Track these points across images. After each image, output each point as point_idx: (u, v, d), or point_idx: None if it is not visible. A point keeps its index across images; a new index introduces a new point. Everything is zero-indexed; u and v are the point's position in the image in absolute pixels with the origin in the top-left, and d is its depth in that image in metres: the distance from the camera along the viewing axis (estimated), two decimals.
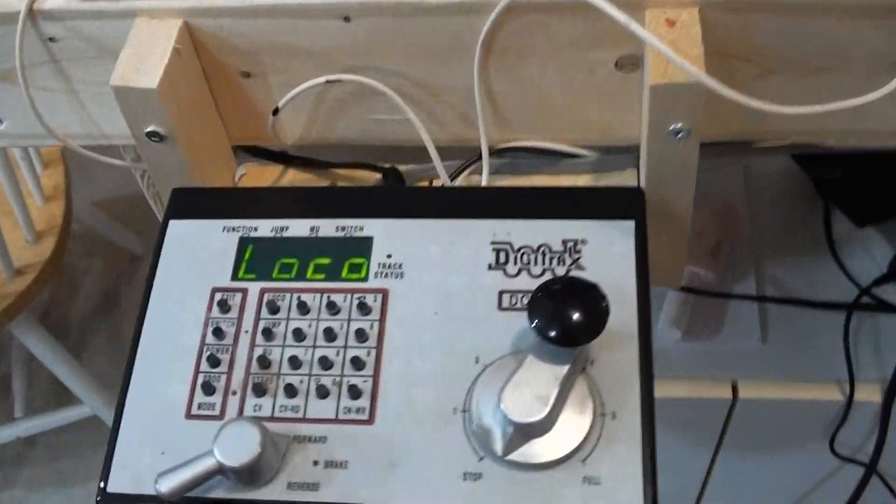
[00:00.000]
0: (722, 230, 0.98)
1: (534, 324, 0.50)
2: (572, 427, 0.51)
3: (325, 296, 0.57)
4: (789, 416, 0.97)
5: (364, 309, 0.56)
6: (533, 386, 0.50)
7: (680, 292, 0.93)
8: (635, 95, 0.64)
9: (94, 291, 2.12)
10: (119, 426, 0.55)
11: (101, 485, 0.54)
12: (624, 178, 0.69)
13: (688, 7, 0.58)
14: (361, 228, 0.59)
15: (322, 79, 0.63)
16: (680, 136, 0.58)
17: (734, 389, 0.96)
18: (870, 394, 0.94)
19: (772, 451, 1.03)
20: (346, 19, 0.61)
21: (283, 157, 0.72)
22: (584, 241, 0.57)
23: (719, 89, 0.53)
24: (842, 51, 0.59)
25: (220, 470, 0.51)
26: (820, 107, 0.54)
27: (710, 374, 0.96)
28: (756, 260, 0.98)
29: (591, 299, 0.50)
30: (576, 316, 0.50)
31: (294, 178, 0.72)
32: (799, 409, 0.95)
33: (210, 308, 0.58)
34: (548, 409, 0.50)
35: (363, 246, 0.59)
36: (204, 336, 0.57)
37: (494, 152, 0.68)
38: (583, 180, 0.69)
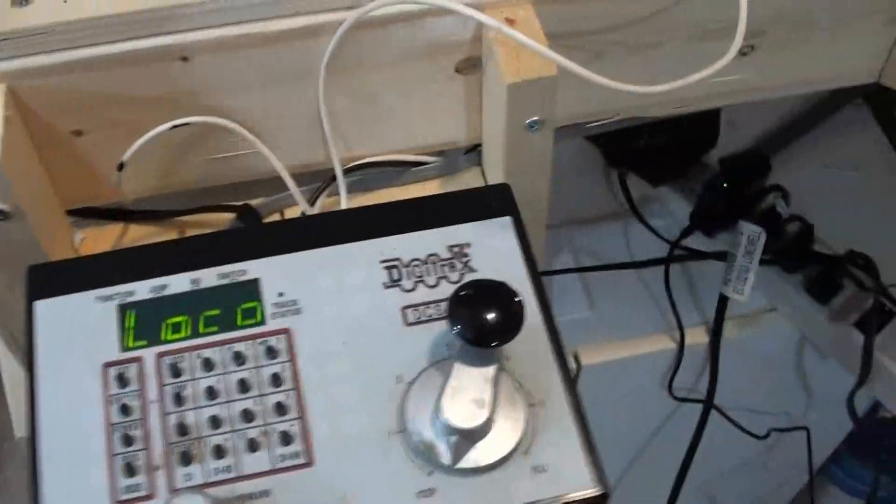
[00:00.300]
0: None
1: (457, 330, 0.51)
2: (509, 423, 0.52)
3: (227, 347, 0.55)
4: (630, 372, 1.03)
5: (271, 353, 0.55)
6: (468, 391, 0.51)
7: None
8: (476, 95, 0.65)
9: None
10: None
11: None
12: (470, 178, 0.71)
13: (522, 4, 0.60)
14: (244, 272, 0.58)
15: (167, 125, 0.61)
16: (535, 128, 0.60)
17: (576, 359, 1.01)
18: (698, 336, 1.01)
19: (618, 409, 1.09)
20: (185, 59, 0.59)
21: (122, 214, 0.68)
22: (468, 244, 0.59)
23: (584, 73, 0.56)
24: (664, 26, 0.64)
25: None
26: (669, 85, 0.58)
27: None
28: (567, 232, 1.03)
29: (503, 297, 0.52)
30: (494, 315, 0.51)
31: (138, 234, 0.69)
32: (638, 364, 1.01)
33: (107, 385, 0.54)
34: (488, 410, 0.50)
35: (251, 289, 0.57)
36: (108, 415, 0.53)
37: (344, 172, 0.67)
38: (433, 185, 0.70)
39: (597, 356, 1.00)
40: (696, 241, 1.01)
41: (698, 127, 1.01)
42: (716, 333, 1.00)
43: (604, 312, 1.01)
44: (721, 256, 0.96)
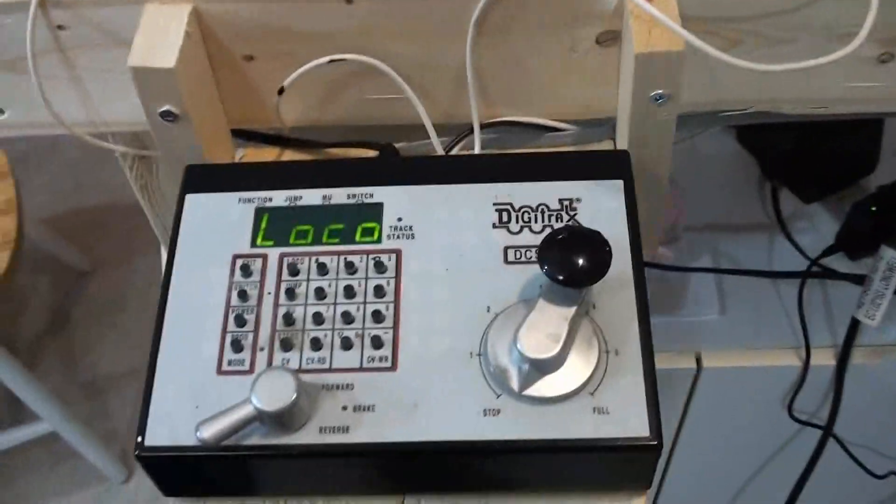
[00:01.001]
0: (676, 210, 1.03)
1: (544, 268, 0.55)
2: (581, 363, 0.56)
3: (343, 257, 0.61)
4: (750, 383, 1.03)
5: (380, 267, 0.60)
6: (545, 326, 0.55)
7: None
8: (613, 70, 0.69)
9: (42, 309, 2.11)
10: (152, 384, 0.58)
11: (139, 439, 0.56)
12: (601, 148, 0.74)
13: None
14: (371, 195, 0.64)
15: (326, 58, 0.67)
16: (661, 101, 0.63)
17: (698, 360, 1.02)
18: (825, 358, 1.00)
19: (733, 421, 1.09)
20: (349, 1, 0.65)
21: (279, 140, 0.75)
22: (578, 200, 0.62)
23: (707, 49, 0.58)
24: (802, 22, 0.65)
25: (258, 416, 0.54)
26: (790, 65, 0.60)
27: (675, 346, 1.02)
28: (711, 237, 1.04)
29: (594, 244, 0.55)
30: (582, 259, 0.55)
31: (293, 158, 0.76)
32: (759, 376, 1.01)
33: (233, 273, 0.61)
34: (560, 346, 0.54)
35: (374, 211, 0.63)
36: (229, 298, 0.60)
37: (482, 127, 0.72)
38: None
39: (720, 361, 1.01)
40: (839, 263, 1.00)
41: (857, 149, 1.01)
42: (843, 358, 0.98)
43: (734, 318, 1.01)
44: (860, 280, 0.95)
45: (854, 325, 0.97)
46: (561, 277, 0.54)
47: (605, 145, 0.74)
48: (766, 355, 1.01)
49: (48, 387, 1.71)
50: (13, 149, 1.78)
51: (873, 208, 0.95)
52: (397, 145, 0.74)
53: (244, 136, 0.76)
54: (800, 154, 1.01)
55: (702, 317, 1.02)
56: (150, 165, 0.83)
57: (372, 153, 0.74)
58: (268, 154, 0.76)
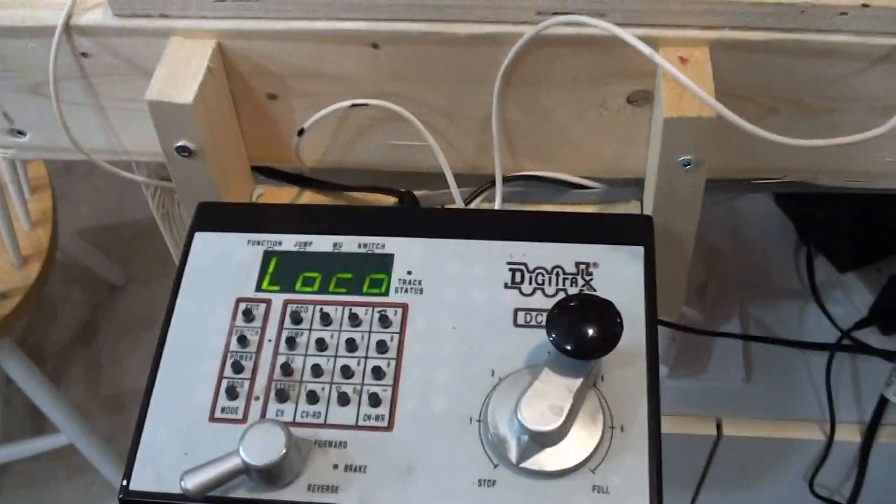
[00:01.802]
0: (708, 270, 1.01)
1: (552, 337, 0.53)
2: (583, 438, 0.54)
3: (348, 308, 0.59)
4: (771, 454, 1.00)
5: (385, 322, 0.59)
6: (548, 397, 0.53)
7: (667, 329, 0.96)
8: (643, 130, 0.67)
9: (72, 320, 2.12)
10: (143, 426, 0.57)
11: (124, 482, 0.55)
12: (628, 210, 0.72)
13: (700, 45, 0.61)
14: (383, 246, 0.62)
15: (348, 102, 0.66)
16: (688, 167, 0.61)
17: (718, 427, 0.99)
18: (850, 434, 0.97)
19: (752, 490, 1.06)
20: (375, 46, 0.64)
21: (299, 180, 0.74)
22: (595, 265, 0.60)
23: (735, 120, 0.56)
24: (842, 93, 0.63)
25: (245, 470, 0.52)
26: (823, 141, 0.57)
27: (696, 410, 0.99)
28: (741, 301, 1.02)
29: (605, 316, 0.53)
30: (591, 331, 0.52)
31: (310, 200, 0.74)
32: (781, 448, 0.98)
33: (235, 317, 0.60)
34: (562, 419, 0.52)
35: (384, 262, 0.61)
36: (228, 343, 0.59)
37: (505, 180, 0.71)
38: (589, 210, 0.72)
39: (741, 429, 0.98)
40: (872, 337, 0.97)
41: None
42: (869, 436, 0.95)
43: (759, 387, 0.98)
44: (891, 356, 0.92)
45: (882, 403, 0.94)
46: (568, 348, 0.52)
47: (632, 206, 0.71)
48: (790, 427, 0.98)
49: (71, 399, 1.71)
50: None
51: None
52: (417, 193, 0.72)
53: (265, 173, 0.75)
54: (837, 221, 0.98)
55: (726, 382, 0.99)
56: (173, 195, 0.82)
57: (391, 199, 0.72)
58: (287, 193, 0.75)
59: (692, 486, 1.05)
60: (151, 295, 2.10)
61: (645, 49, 0.57)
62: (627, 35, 0.58)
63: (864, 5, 0.59)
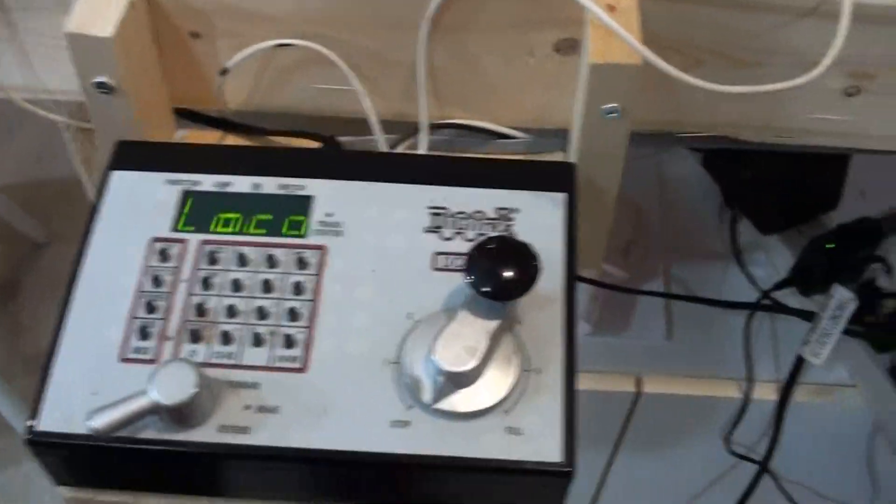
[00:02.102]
0: (633, 230, 1.02)
1: (469, 277, 0.52)
2: (498, 380, 0.53)
3: (265, 249, 0.58)
4: (690, 411, 1.01)
5: (303, 263, 0.58)
6: (464, 338, 0.52)
7: (590, 287, 0.97)
8: (570, 80, 0.67)
9: None
10: (51, 366, 0.55)
11: (31, 423, 0.54)
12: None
13: None
14: (303, 187, 0.61)
15: (272, 42, 0.65)
16: (614, 115, 0.61)
17: (638, 384, 1.00)
18: (766, 392, 0.99)
19: (670, 449, 1.08)
20: None
21: (222, 123, 0.73)
22: (516, 210, 0.60)
23: (662, 66, 0.56)
24: (768, 46, 0.63)
25: (154, 409, 0.51)
26: (746, 87, 0.58)
27: (617, 368, 1.00)
28: (664, 261, 1.03)
29: (523, 257, 0.53)
30: (508, 272, 0.52)
31: (233, 143, 0.73)
32: (699, 406, 1.00)
33: (149, 257, 0.58)
34: (477, 360, 0.52)
35: (304, 204, 0.60)
36: (142, 283, 0.57)
37: (432, 128, 0.70)
38: None
39: (661, 387, 0.99)
40: (791, 299, 0.98)
41: (820, 185, 0.99)
42: (785, 394, 0.97)
43: (679, 345, 1.00)
44: (810, 317, 0.94)
45: (799, 362, 0.95)
46: (485, 289, 0.52)
47: (557, 157, 0.71)
48: (709, 385, 0.99)
49: None
50: None
51: (829, 246, 0.93)
52: (341, 139, 0.71)
53: (187, 116, 0.74)
54: (761, 184, 0.99)
55: (647, 340, 1.00)
56: (93, 139, 0.80)
57: (315, 144, 0.71)
58: (209, 137, 0.73)
59: (610, 445, 1.06)
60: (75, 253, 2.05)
61: None
62: None
63: None
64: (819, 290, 0.96)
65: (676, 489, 1.14)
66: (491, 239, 0.54)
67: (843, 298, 0.89)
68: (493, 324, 0.53)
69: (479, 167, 0.63)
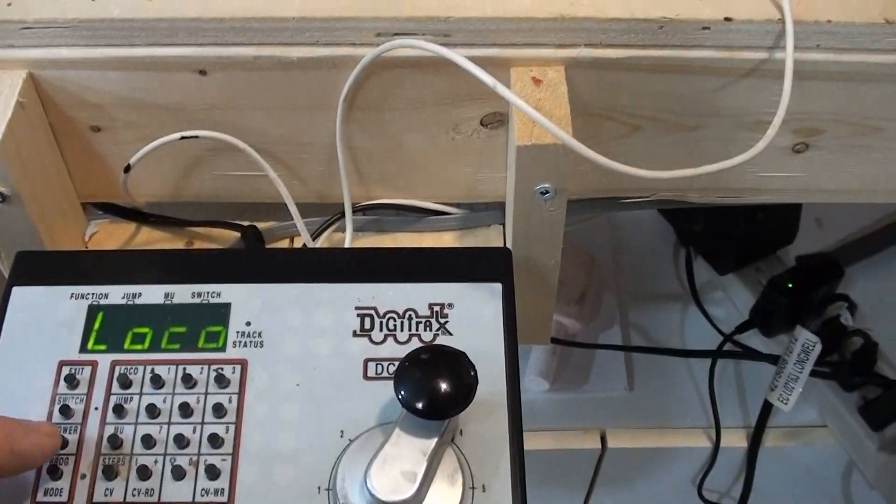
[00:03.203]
0: (586, 279, 0.98)
1: (400, 395, 0.48)
2: (442, 503, 0.49)
3: (181, 367, 0.54)
4: (658, 463, 0.98)
5: (222, 381, 0.53)
6: (400, 462, 0.48)
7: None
8: (500, 152, 0.63)
9: None
10: None
11: None
12: (490, 235, 0.68)
13: (554, 65, 0.57)
14: (219, 294, 0.56)
15: (176, 135, 0.60)
16: (547, 196, 0.57)
17: (602, 440, 0.96)
18: (736, 439, 0.95)
19: (640, 499, 1.04)
20: (202, 73, 0.58)
21: (137, 215, 0.68)
22: (450, 305, 0.56)
23: (585, 153, 0.52)
24: (708, 109, 0.60)
25: None
26: (680, 171, 0.54)
27: (579, 424, 0.96)
28: (621, 308, 0.99)
29: (458, 369, 0.49)
30: (443, 387, 0.48)
31: (149, 237, 0.68)
32: (667, 456, 0.96)
33: (57, 383, 0.53)
34: (416, 487, 0.47)
35: (220, 313, 0.56)
36: (50, 414, 0.52)
37: (358, 210, 0.66)
38: (448, 237, 0.68)
39: (626, 441, 0.95)
40: (754, 340, 0.95)
41: (776, 221, 0.96)
42: (755, 441, 0.93)
43: (642, 396, 0.96)
44: (774, 360, 0.90)
45: (767, 408, 0.92)
46: (419, 407, 0.48)
47: (494, 231, 0.67)
48: (675, 435, 0.96)
49: None
50: None
51: (790, 285, 0.90)
52: (262, 226, 0.67)
53: (102, 207, 0.69)
54: (715, 223, 0.96)
55: (608, 392, 0.96)
56: None
57: (234, 234, 0.67)
58: (123, 230, 0.68)
59: (580, 499, 1.02)
60: None
61: (488, 80, 0.53)
62: (469, 64, 0.53)
63: (727, 19, 0.56)
64: (782, 330, 0.93)
65: None
66: (421, 349, 0.50)
67: (807, 341, 0.85)
68: (430, 442, 0.49)
69: (408, 259, 0.58)
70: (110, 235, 0.68)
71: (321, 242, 0.66)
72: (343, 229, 0.66)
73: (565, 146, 0.54)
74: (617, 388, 0.96)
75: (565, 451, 0.92)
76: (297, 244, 0.68)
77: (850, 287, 0.91)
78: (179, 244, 0.68)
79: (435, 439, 0.49)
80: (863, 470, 0.96)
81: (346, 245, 0.65)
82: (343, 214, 0.65)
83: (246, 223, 0.67)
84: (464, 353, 0.49)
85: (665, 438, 0.95)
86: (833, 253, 0.96)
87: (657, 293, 1.00)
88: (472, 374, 0.49)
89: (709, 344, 0.95)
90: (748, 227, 0.94)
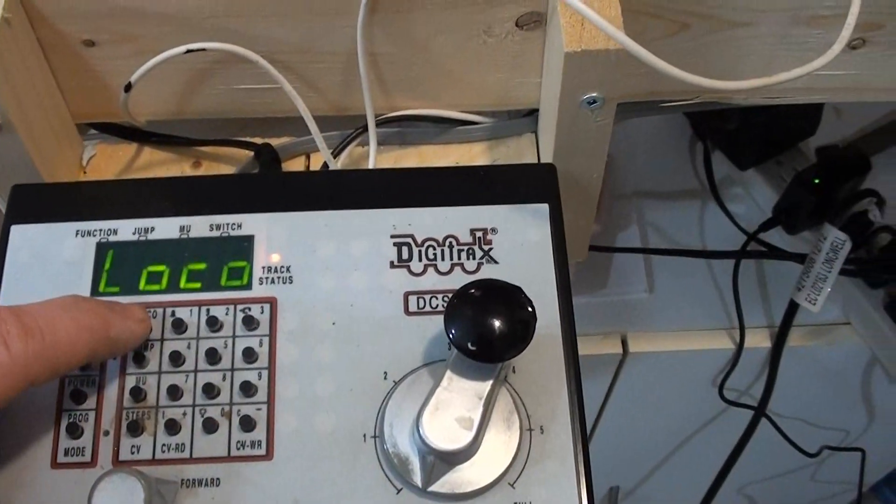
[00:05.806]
0: (603, 179, 0.93)
1: (452, 335, 0.44)
2: (498, 448, 0.46)
3: (204, 309, 0.49)
4: (680, 365, 0.95)
5: (250, 323, 0.49)
6: (454, 407, 0.44)
7: None
8: (536, 56, 0.57)
9: None
10: None
11: None
12: (522, 145, 0.63)
13: None
14: (239, 226, 0.52)
15: (181, 48, 0.54)
16: (594, 105, 0.52)
17: (624, 344, 0.93)
18: (759, 339, 0.92)
19: (659, 401, 1.02)
20: None
21: (138, 134, 0.63)
22: (493, 230, 0.51)
23: (651, 60, 0.47)
24: (756, 3, 0.54)
25: None
26: (759, 80, 0.49)
27: (599, 328, 0.93)
28: (638, 207, 0.95)
29: (515, 306, 0.45)
30: (500, 327, 0.44)
31: (151, 157, 0.63)
32: (689, 360, 0.93)
33: None
34: (473, 434, 0.44)
35: (243, 246, 0.51)
36: None
37: (380, 122, 0.61)
38: (478, 149, 0.63)
39: (647, 345, 0.92)
40: (777, 237, 0.91)
41: (798, 112, 0.91)
42: (779, 341, 0.91)
43: (663, 298, 0.92)
44: (800, 258, 0.87)
45: (792, 307, 0.89)
46: (473, 349, 0.44)
47: (527, 140, 0.62)
48: (698, 338, 0.93)
49: None
50: None
51: (816, 180, 0.86)
52: (276, 142, 0.62)
53: (98, 126, 0.63)
54: (734, 114, 0.91)
55: (628, 295, 0.93)
56: None
57: (246, 153, 0.62)
58: (123, 152, 0.63)
59: (598, 402, 1.00)
60: None
61: None
62: None
63: None
64: (807, 227, 0.89)
65: (674, 436, 1.09)
66: (474, 284, 0.46)
67: (836, 239, 0.82)
68: (485, 385, 0.45)
69: (446, 179, 0.53)
70: (110, 158, 0.63)
71: (342, 159, 0.61)
72: (365, 143, 0.61)
73: (621, 51, 0.49)
74: (637, 289, 0.92)
75: (585, 356, 0.88)
76: (314, 161, 0.62)
77: (873, 180, 0.87)
78: (186, 165, 0.63)
79: (490, 381, 0.45)
80: (887, 366, 0.94)
81: (371, 161, 0.60)
82: (365, 128, 0.60)
83: (259, 140, 0.61)
84: (520, 289, 0.45)
85: (687, 341, 0.92)
86: (857, 144, 0.91)
87: (676, 191, 0.95)
88: (531, 311, 0.44)
89: (729, 242, 0.91)
90: (769, 118, 0.89)
